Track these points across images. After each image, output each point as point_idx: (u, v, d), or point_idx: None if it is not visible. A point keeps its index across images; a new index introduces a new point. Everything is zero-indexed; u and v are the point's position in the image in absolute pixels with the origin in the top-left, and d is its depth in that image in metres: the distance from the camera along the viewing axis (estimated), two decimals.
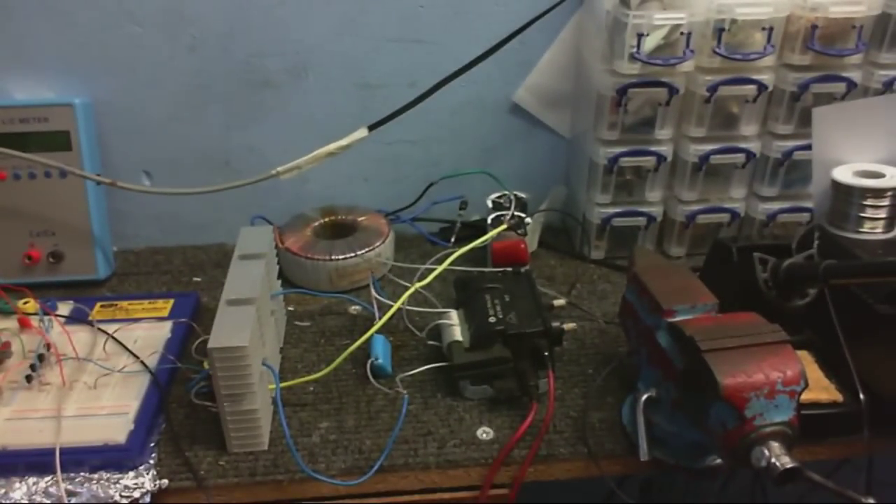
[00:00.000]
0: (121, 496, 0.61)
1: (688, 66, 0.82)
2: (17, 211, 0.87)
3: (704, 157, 0.86)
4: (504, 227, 0.85)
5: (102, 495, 0.60)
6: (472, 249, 0.79)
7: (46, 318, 0.76)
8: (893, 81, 0.83)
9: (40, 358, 0.71)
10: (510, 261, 0.83)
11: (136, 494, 0.61)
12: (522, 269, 0.80)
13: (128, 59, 0.89)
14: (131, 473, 0.62)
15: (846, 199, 0.72)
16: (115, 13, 0.86)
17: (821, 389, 0.65)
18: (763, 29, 0.80)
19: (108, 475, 0.62)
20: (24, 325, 0.76)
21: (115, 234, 0.95)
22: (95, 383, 0.69)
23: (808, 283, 0.66)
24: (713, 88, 0.82)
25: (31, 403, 0.67)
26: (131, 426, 0.65)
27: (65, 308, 0.80)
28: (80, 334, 0.76)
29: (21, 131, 0.85)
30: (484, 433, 0.66)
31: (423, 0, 0.90)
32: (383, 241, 0.89)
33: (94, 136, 0.89)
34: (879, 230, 0.72)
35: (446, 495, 0.64)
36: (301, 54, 0.91)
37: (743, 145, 0.87)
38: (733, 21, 0.80)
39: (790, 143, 0.86)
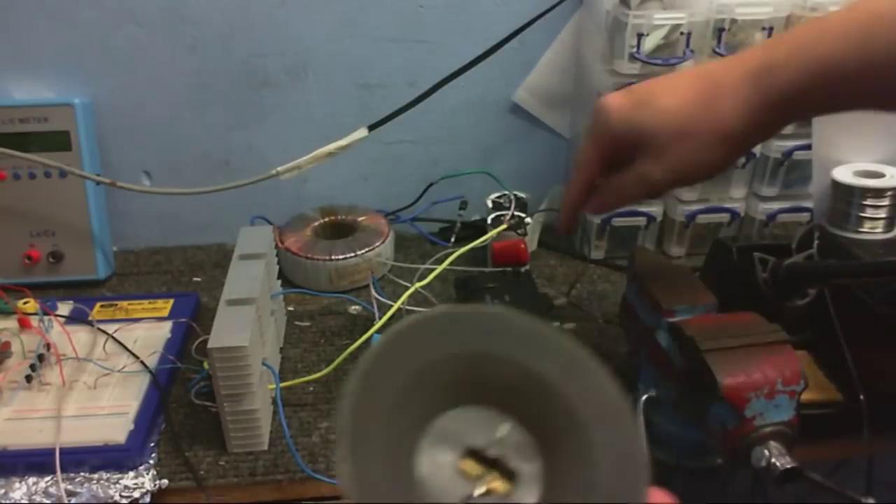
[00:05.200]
0: (121, 496, 0.61)
1: (688, 66, 0.82)
2: (17, 211, 0.87)
3: None
4: (504, 227, 0.85)
5: (102, 495, 0.60)
6: (472, 249, 0.79)
7: (46, 318, 0.76)
8: None
9: (40, 358, 0.71)
10: (510, 261, 0.83)
11: (136, 494, 0.61)
12: (522, 269, 0.80)
13: (128, 59, 0.89)
14: (131, 473, 0.62)
15: (846, 199, 0.72)
16: (115, 13, 0.86)
17: (821, 389, 0.65)
18: (763, 29, 0.80)
19: (108, 475, 0.62)
20: (24, 325, 0.76)
21: (115, 234, 0.95)
22: (95, 383, 0.69)
23: (808, 283, 0.66)
24: None
25: (31, 403, 0.67)
26: (131, 426, 0.65)
27: (65, 308, 0.80)
28: (80, 334, 0.76)
29: (21, 131, 0.85)
30: None
31: (423, 0, 0.90)
32: (383, 241, 0.89)
33: (94, 136, 0.89)
34: (879, 230, 0.72)
35: None
36: (301, 54, 0.91)
37: None
38: (733, 21, 0.80)
39: (790, 143, 0.86)
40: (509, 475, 0.25)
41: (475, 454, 0.25)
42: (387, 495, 0.22)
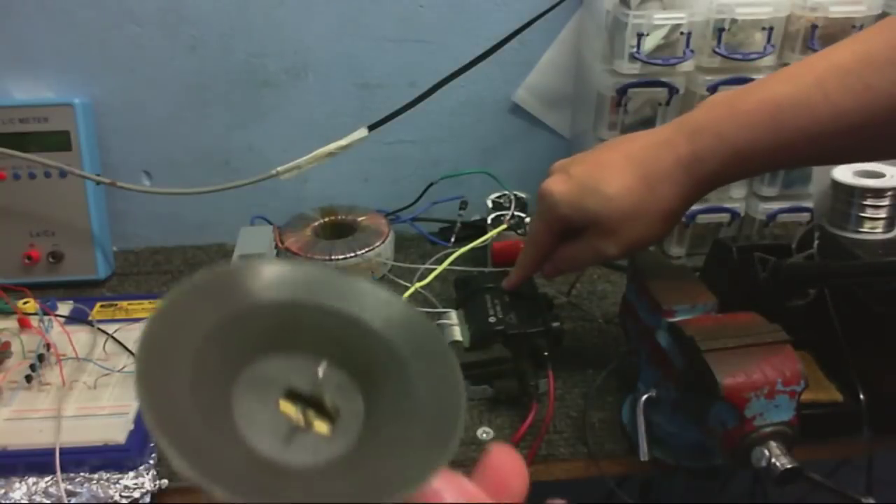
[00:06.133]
0: (121, 496, 0.61)
1: (688, 66, 0.82)
2: (17, 211, 0.87)
3: None
4: (504, 227, 0.85)
5: (102, 495, 0.60)
6: (472, 249, 0.79)
7: (46, 318, 0.76)
8: None
9: (40, 358, 0.71)
10: (510, 261, 0.82)
11: (136, 494, 0.61)
12: None
13: (128, 59, 0.89)
14: (131, 473, 0.62)
15: (846, 199, 0.72)
16: (115, 13, 0.86)
17: (821, 389, 0.65)
18: (763, 29, 0.80)
19: (108, 475, 0.62)
20: (23, 325, 0.76)
21: (115, 234, 0.95)
22: (95, 383, 0.69)
23: (808, 283, 0.66)
24: (713, 88, 0.82)
25: (31, 403, 0.67)
26: (131, 426, 0.65)
27: (65, 308, 0.80)
28: (80, 334, 0.76)
29: (21, 131, 0.85)
30: (484, 433, 0.66)
31: (423, 0, 0.90)
32: (383, 241, 0.89)
33: (94, 136, 0.89)
34: (879, 230, 0.72)
35: None
36: (301, 54, 0.91)
37: None
38: (733, 21, 0.80)
39: None
40: (330, 414, 0.26)
41: (295, 395, 0.25)
42: (208, 450, 0.21)
